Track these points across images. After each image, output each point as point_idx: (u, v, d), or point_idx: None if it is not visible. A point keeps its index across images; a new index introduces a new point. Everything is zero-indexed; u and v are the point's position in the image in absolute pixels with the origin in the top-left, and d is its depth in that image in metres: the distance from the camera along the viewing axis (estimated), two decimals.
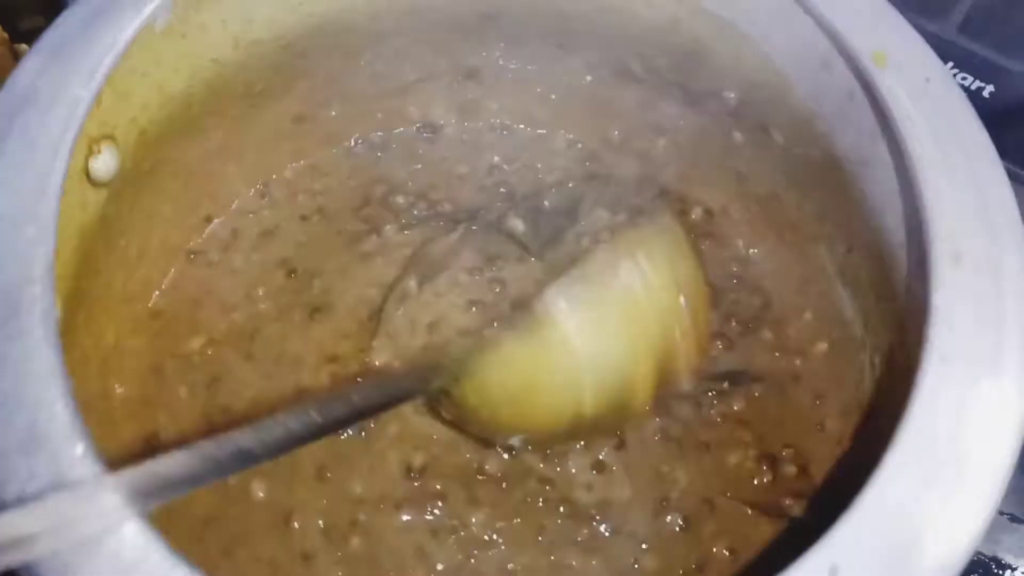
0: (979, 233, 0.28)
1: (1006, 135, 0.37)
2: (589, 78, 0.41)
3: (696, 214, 0.42)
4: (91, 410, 0.34)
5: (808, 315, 0.39)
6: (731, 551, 0.35)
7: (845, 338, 0.37)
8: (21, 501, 0.24)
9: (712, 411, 0.38)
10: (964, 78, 0.43)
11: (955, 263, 0.27)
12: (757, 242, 0.41)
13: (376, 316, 0.39)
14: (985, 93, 0.42)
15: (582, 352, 0.32)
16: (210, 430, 0.37)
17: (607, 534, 0.35)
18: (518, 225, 0.40)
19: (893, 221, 0.32)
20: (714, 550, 0.35)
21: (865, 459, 0.32)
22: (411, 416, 0.37)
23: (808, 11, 0.32)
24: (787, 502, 0.35)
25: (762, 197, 0.40)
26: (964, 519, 0.25)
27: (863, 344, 0.36)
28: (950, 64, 0.46)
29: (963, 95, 0.30)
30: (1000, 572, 0.39)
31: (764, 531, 0.35)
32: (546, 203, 0.41)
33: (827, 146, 0.35)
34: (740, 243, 0.41)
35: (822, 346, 0.38)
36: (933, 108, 0.30)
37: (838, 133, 0.34)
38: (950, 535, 0.25)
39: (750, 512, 0.36)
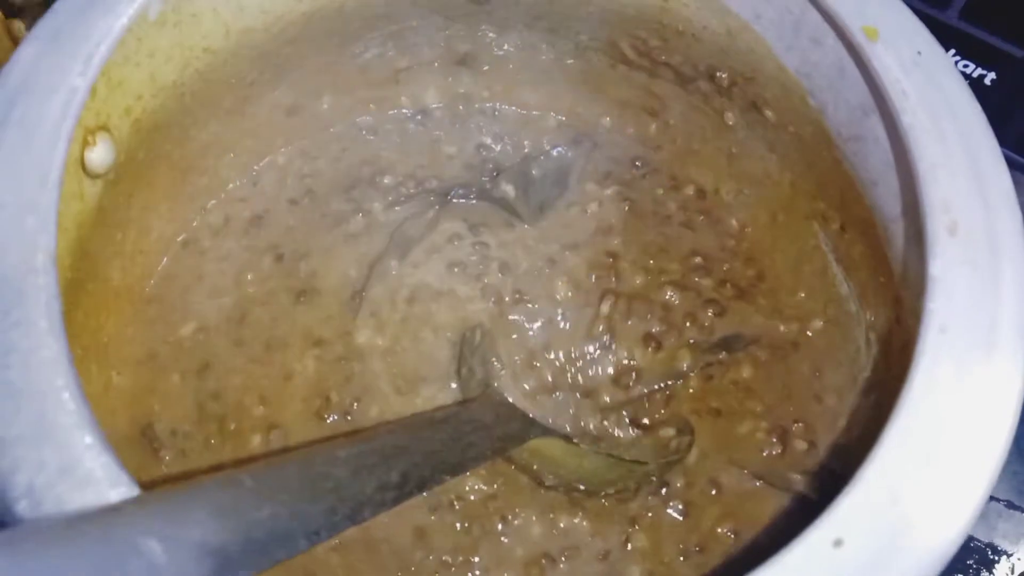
0: (974, 202, 0.28)
1: (1008, 123, 0.37)
2: (580, 61, 0.41)
3: (689, 191, 0.42)
4: (92, 402, 0.35)
5: (803, 294, 0.39)
6: (735, 533, 0.36)
7: (841, 315, 0.37)
8: (30, 492, 0.24)
9: (723, 380, 0.38)
10: (966, 65, 0.43)
11: (951, 233, 0.28)
12: (750, 222, 0.41)
13: (359, 295, 0.39)
14: (987, 80, 0.42)
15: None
16: (201, 418, 0.37)
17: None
18: (509, 191, 0.40)
19: (886, 195, 0.32)
20: (719, 530, 0.36)
21: (867, 437, 0.32)
22: (391, 396, 0.38)
23: None
24: (796, 477, 0.36)
25: (755, 177, 0.40)
26: (962, 493, 0.25)
27: (859, 321, 0.36)
28: (952, 51, 0.46)
29: (954, 67, 0.31)
30: (996, 558, 0.40)
31: (769, 508, 0.36)
32: (535, 171, 0.41)
33: (819, 123, 0.35)
34: (734, 222, 0.41)
35: (817, 324, 0.38)
36: (925, 80, 0.30)
37: (829, 109, 0.35)
38: (949, 509, 0.25)
39: (758, 484, 0.36)
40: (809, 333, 0.39)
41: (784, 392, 0.38)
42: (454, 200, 0.41)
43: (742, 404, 0.38)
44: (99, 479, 0.24)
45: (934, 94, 0.30)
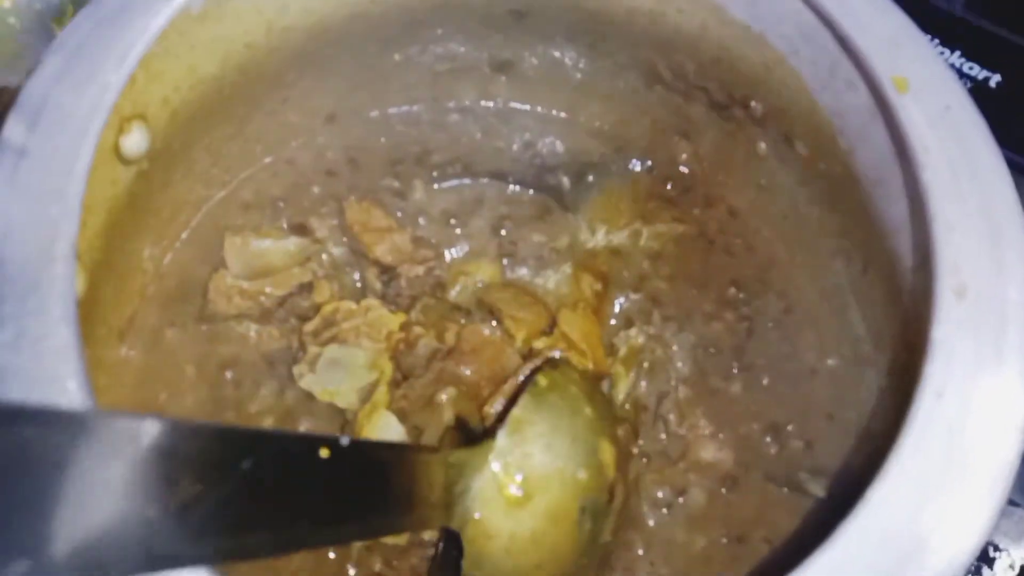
0: (986, 267, 0.28)
1: (1012, 124, 0.37)
2: (617, 78, 0.41)
3: (712, 229, 0.42)
4: (115, 384, 0.36)
5: (819, 331, 0.39)
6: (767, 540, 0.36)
7: (856, 356, 0.37)
8: None
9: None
10: (971, 67, 0.42)
11: (959, 297, 0.27)
12: (776, 256, 0.41)
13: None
14: (992, 83, 0.41)
15: None
16: (212, 400, 0.37)
17: None
18: (565, 182, 0.42)
19: (905, 246, 0.32)
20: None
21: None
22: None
23: (833, 31, 0.32)
24: (804, 475, 0.36)
25: (783, 210, 0.40)
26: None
27: (872, 363, 0.36)
28: (957, 52, 0.46)
29: (983, 123, 0.30)
30: (996, 556, 0.40)
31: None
32: (590, 177, 0.42)
33: (848, 163, 0.35)
34: (756, 257, 0.41)
35: (831, 362, 0.38)
36: (951, 136, 0.30)
37: (859, 151, 0.34)
38: None
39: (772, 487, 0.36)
40: (826, 366, 0.38)
41: (780, 400, 0.38)
42: (510, 186, 0.42)
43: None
44: None
45: (958, 152, 0.29)
